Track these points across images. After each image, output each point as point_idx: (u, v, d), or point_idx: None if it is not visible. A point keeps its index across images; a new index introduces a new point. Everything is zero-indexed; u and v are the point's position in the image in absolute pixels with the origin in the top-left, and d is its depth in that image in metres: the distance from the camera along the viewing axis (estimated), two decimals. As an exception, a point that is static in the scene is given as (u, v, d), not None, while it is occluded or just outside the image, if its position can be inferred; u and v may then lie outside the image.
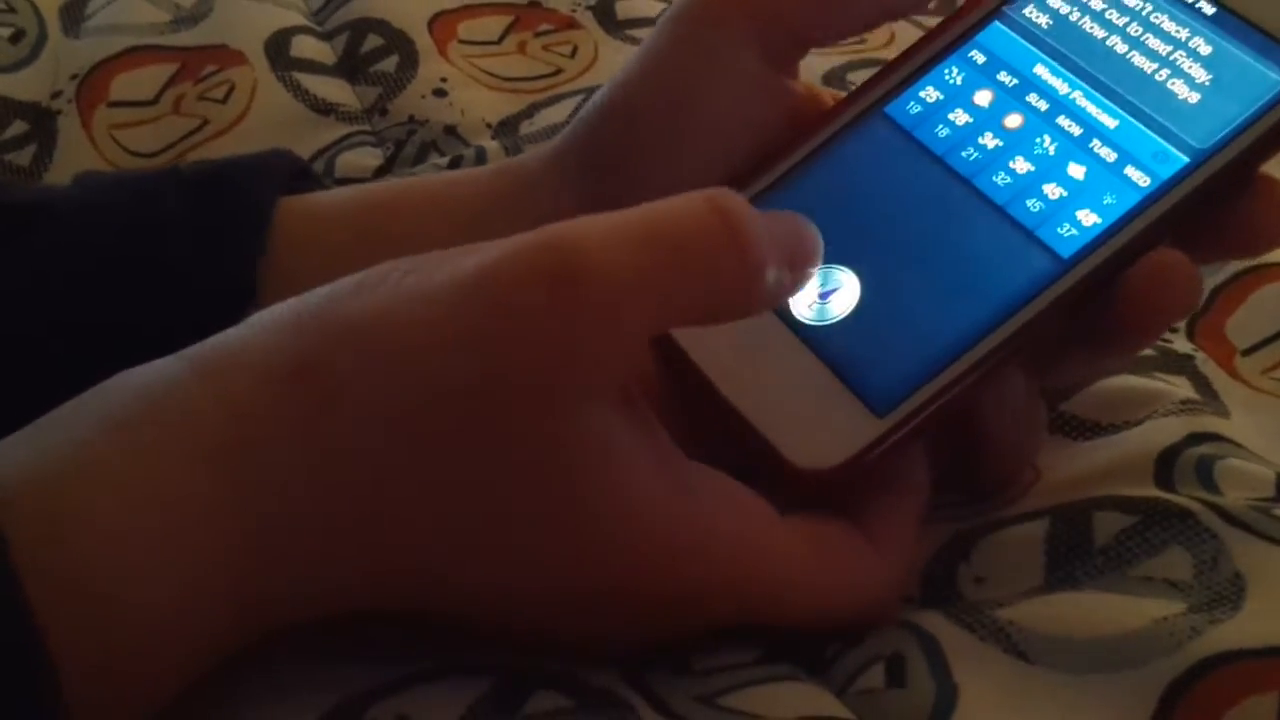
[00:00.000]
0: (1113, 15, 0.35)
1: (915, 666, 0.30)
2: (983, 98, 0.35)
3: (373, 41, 0.58)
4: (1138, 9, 0.35)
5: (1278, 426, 0.40)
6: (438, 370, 0.26)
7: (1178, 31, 0.34)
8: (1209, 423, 0.37)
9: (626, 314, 0.27)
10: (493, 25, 0.60)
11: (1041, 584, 0.33)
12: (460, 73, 0.57)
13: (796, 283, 0.29)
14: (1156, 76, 0.34)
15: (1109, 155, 0.33)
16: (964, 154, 0.34)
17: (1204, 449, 0.36)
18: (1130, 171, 0.33)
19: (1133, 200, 0.32)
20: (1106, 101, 0.34)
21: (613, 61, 0.59)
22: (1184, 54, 0.34)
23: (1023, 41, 0.35)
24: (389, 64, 0.57)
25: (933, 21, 0.64)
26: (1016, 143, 0.34)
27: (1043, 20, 0.35)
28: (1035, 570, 0.33)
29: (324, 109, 0.56)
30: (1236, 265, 0.45)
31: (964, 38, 0.36)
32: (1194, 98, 0.33)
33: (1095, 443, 0.37)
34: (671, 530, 0.28)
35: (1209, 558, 0.32)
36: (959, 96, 0.35)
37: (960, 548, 0.34)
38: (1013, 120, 0.34)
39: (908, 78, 0.36)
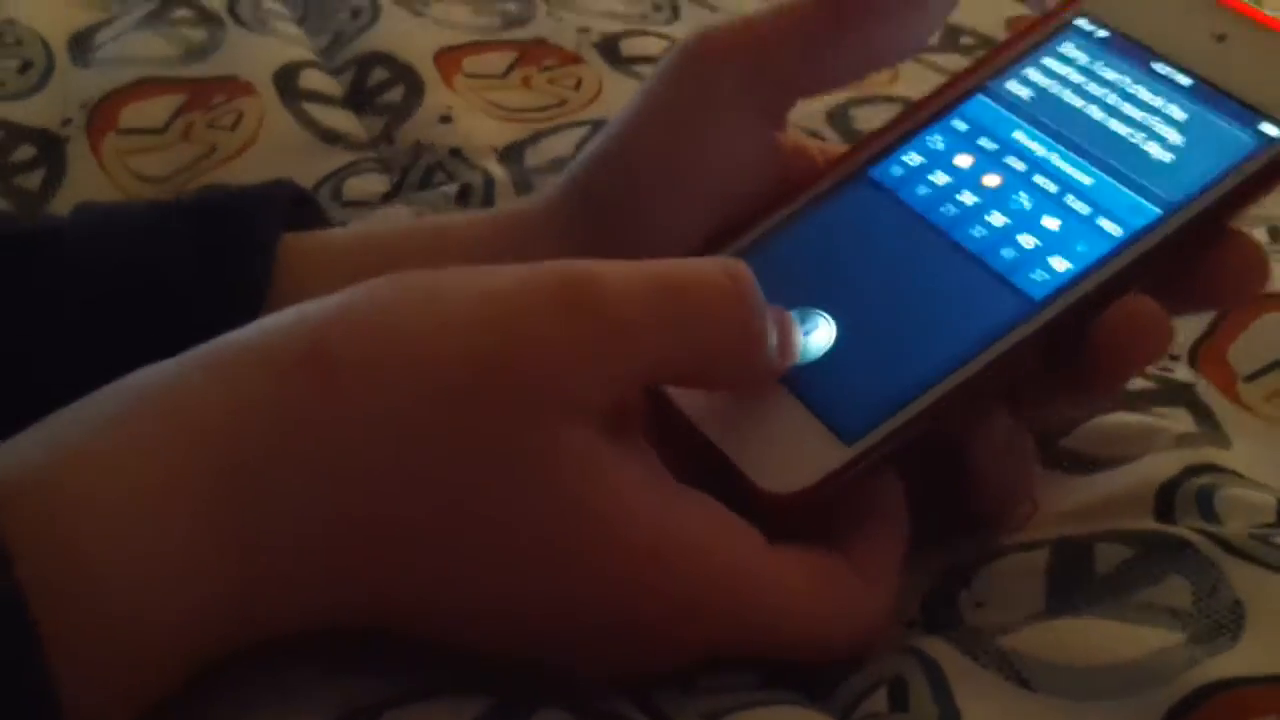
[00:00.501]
0: (1092, 87, 0.36)
1: (918, 691, 0.30)
2: (963, 160, 0.36)
3: (379, 75, 0.59)
4: (1115, 81, 0.36)
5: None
6: (441, 379, 0.27)
7: (1153, 100, 0.35)
8: (1207, 454, 0.37)
9: (632, 351, 0.28)
10: (497, 60, 0.61)
11: (1042, 609, 0.33)
12: (465, 102, 0.58)
13: (783, 367, 0.32)
14: (1132, 139, 0.35)
15: (1083, 209, 0.34)
16: (942, 209, 0.35)
17: (1203, 480, 0.36)
18: (1103, 222, 0.33)
19: (1105, 248, 0.33)
20: (1082, 161, 0.35)
21: (617, 94, 0.59)
22: (1159, 120, 0.35)
23: (1004, 111, 0.36)
24: (395, 94, 0.58)
25: (938, 56, 0.66)
26: (993, 199, 0.35)
27: (1024, 93, 0.37)
28: (1036, 596, 0.33)
29: (331, 138, 0.56)
30: None
31: (947, 109, 0.37)
32: (1168, 157, 0.34)
33: (1093, 478, 0.37)
34: (662, 550, 0.28)
35: (1208, 586, 0.33)
36: (940, 160, 0.36)
37: (961, 574, 0.34)
38: (991, 180, 0.35)
39: (892, 144, 0.37)
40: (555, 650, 0.29)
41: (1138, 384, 0.42)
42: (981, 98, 0.37)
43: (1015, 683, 0.31)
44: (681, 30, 0.66)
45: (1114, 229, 0.33)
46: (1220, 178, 0.33)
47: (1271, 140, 0.33)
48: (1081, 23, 0.37)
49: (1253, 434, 0.41)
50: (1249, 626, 0.31)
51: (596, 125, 0.56)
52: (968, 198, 0.35)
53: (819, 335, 0.33)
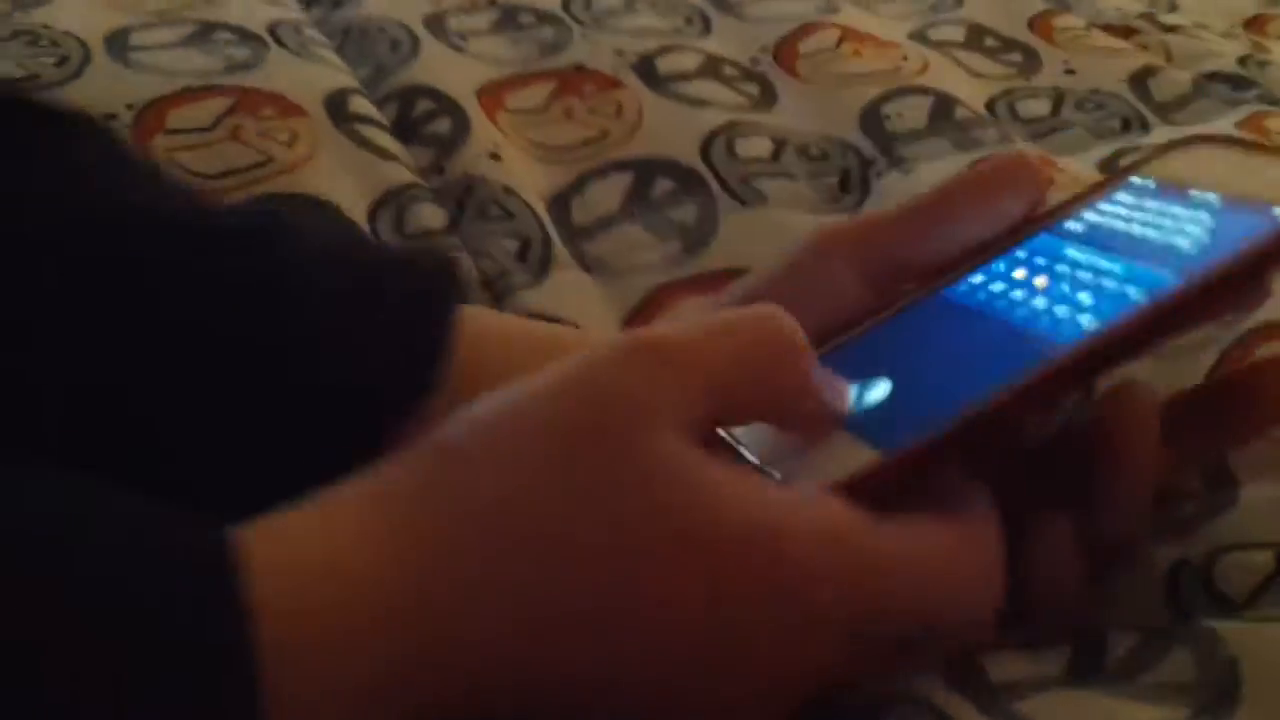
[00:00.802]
0: (1137, 216, 0.41)
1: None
2: (1021, 273, 0.40)
3: (424, 105, 0.61)
4: (1157, 208, 0.40)
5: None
6: (546, 420, 0.32)
7: (1185, 213, 0.39)
8: (1207, 536, 0.41)
9: (704, 386, 0.33)
10: (538, 92, 0.63)
11: (1060, 676, 0.37)
12: (510, 143, 0.60)
13: (840, 410, 0.36)
14: (1162, 239, 0.39)
15: (1111, 283, 0.38)
16: (997, 303, 0.39)
17: (1205, 552, 0.39)
18: (1128, 289, 0.37)
19: (1125, 308, 0.36)
20: (1116, 256, 0.39)
21: (657, 119, 0.61)
22: (1188, 223, 0.39)
23: (1062, 240, 0.41)
24: (441, 125, 0.60)
25: (962, 53, 0.66)
26: (1039, 290, 0.39)
27: (1080, 228, 0.41)
28: (1060, 669, 0.37)
29: (387, 156, 0.58)
30: (1243, 326, 0.47)
31: (1013, 244, 0.41)
32: (1188, 243, 0.38)
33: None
34: (787, 538, 0.32)
35: (1207, 650, 0.36)
36: (1001, 275, 0.41)
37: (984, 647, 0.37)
38: (1040, 280, 0.39)
39: (961, 272, 0.41)
40: (701, 686, 0.32)
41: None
42: (1045, 235, 0.41)
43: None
44: (714, 43, 0.68)
45: (1136, 294, 0.37)
46: (1235, 248, 0.36)
47: None
48: (1135, 180, 0.42)
49: (1266, 464, 0.44)
50: (1247, 687, 0.34)
51: (637, 167, 0.59)
52: (1019, 293, 0.39)
53: (879, 391, 0.37)
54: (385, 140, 0.59)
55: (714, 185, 0.58)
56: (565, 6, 0.70)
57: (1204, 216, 0.38)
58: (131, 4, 0.69)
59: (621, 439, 0.31)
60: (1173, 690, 0.36)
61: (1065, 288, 0.38)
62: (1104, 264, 0.38)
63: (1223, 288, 0.36)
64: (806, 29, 0.70)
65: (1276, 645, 0.36)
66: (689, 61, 0.65)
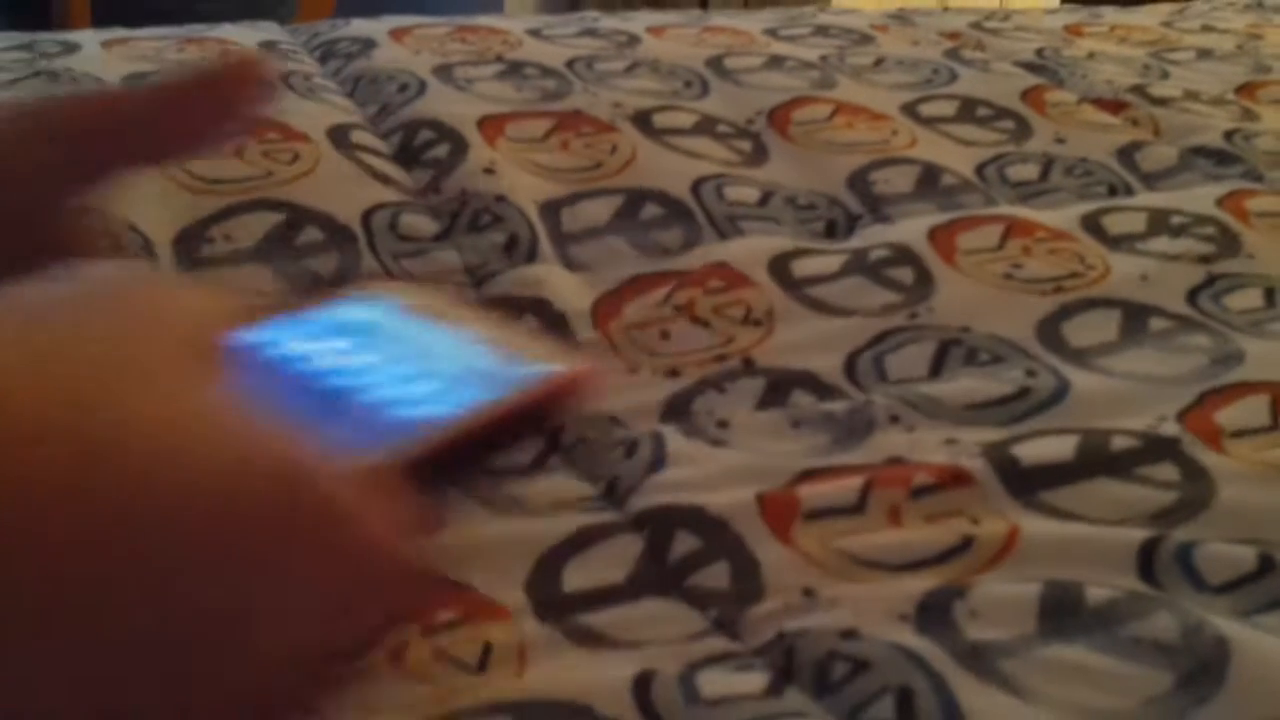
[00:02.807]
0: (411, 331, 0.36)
1: (924, 702, 0.33)
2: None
3: (425, 135, 0.63)
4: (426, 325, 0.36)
5: (1269, 499, 0.43)
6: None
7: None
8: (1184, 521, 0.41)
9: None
10: (537, 126, 0.65)
11: (1034, 630, 0.36)
12: (508, 160, 0.61)
13: None
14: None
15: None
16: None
17: (1181, 536, 0.39)
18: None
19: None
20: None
21: (650, 160, 0.63)
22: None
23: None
24: (441, 150, 0.62)
25: (954, 126, 0.68)
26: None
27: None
28: (1029, 619, 0.36)
29: (383, 179, 0.60)
30: (1223, 378, 0.49)
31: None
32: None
33: (1079, 526, 0.41)
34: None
35: (1194, 623, 0.35)
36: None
37: (958, 587, 0.37)
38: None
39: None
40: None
41: (1123, 443, 0.44)
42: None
43: (1017, 698, 0.33)
44: (711, 105, 0.70)
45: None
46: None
47: None
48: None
49: (1241, 481, 0.43)
50: (1233, 666, 0.34)
51: (630, 193, 0.60)
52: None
53: None
54: (384, 166, 0.61)
55: (700, 216, 0.59)
56: (569, 64, 0.73)
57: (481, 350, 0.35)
58: (154, 57, 0.73)
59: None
60: (1152, 649, 0.35)
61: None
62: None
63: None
64: (801, 101, 0.72)
65: (1265, 642, 0.35)
66: (684, 119, 0.67)
